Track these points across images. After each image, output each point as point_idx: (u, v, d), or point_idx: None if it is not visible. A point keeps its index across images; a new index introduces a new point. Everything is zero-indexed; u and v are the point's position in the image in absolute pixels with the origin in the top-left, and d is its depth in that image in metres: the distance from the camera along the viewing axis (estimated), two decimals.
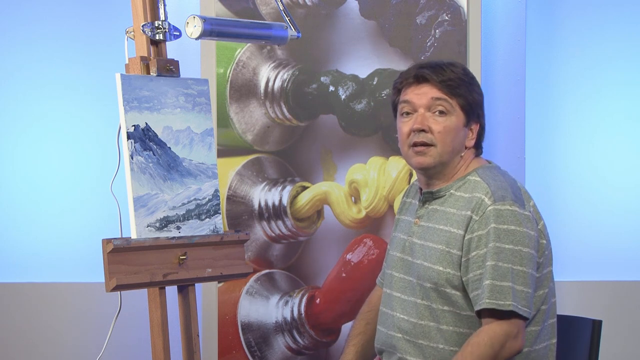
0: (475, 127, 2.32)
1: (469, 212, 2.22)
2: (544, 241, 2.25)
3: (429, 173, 2.32)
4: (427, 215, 2.32)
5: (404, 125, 2.32)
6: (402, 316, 2.30)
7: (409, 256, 2.33)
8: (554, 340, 2.30)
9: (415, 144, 2.28)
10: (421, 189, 2.37)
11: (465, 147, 2.32)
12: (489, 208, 2.19)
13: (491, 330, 2.14)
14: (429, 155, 2.28)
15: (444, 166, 2.30)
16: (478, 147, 2.36)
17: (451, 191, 2.29)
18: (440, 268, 2.22)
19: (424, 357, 2.25)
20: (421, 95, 2.29)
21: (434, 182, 2.33)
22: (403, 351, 2.28)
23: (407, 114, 2.31)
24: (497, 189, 2.22)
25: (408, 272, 2.32)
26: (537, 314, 2.25)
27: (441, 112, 2.28)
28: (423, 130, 2.27)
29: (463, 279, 2.20)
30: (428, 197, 2.34)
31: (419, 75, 2.31)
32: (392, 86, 2.39)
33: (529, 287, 2.15)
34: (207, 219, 2.38)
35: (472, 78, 2.34)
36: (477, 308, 2.16)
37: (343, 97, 3.25)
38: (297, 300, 3.23)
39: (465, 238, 2.21)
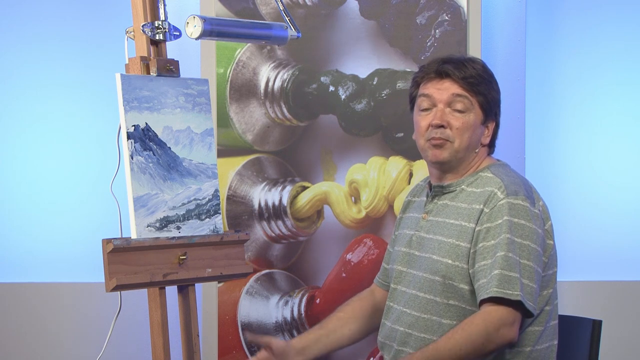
0: (491, 125, 2.34)
1: (480, 206, 2.23)
2: (551, 242, 2.25)
3: (443, 167, 2.32)
4: (437, 210, 2.32)
5: (422, 119, 2.32)
6: (405, 310, 2.30)
7: (415, 250, 2.33)
8: (555, 342, 2.30)
9: (432, 139, 2.29)
10: (430, 184, 2.38)
11: (481, 145, 2.33)
12: (502, 201, 2.19)
13: (486, 312, 2.14)
14: (445, 149, 2.28)
15: (459, 162, 2.30)
16: (491, 145, 2.37)
17: (462, 187, 2.30)
18: (450, 261, 2.23)
19: None
20: (442, 90, 2.30)
21: (446, 177, 2.33)
22: (405, 344, 2.28)
23: (426, 109, 2.32)
24: (510, 184, 2.23)
25: (414, 266, 2.32)
26: (540, 314, 2.25)
27: (460, 109, 2.28)
28: (442, 126, 2.28)
29: (470, 271, 2.20)
30: (438, 191, 2.34)
31: (440, 71, 2.30)
32: (412, 79, 2.38)
33: (534, 283, 2.16)
34: (207, 219, 2.38)
35: (491, 75, 2.34)
36: (483, 297, 2.14)
37: (343, 97, 3.25)
38: (297, 300, 3.23)
39: (475, 230, 2.21)
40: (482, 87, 2.30)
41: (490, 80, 2.33)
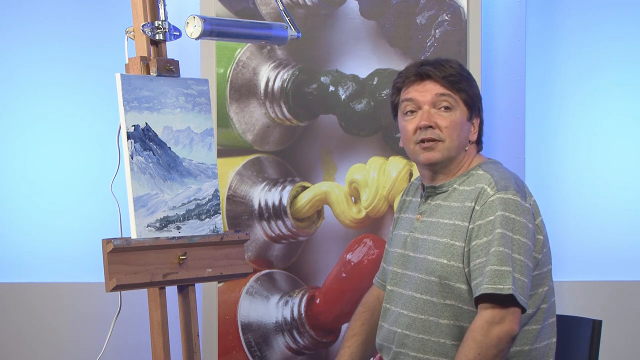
0: (476, 121, 2.35)
1: (472, 203, 2.23)
2: (541, 237, 2.25)
3: (435, 168, 2.32)
4: (430, 211, 2.32)
5: (409, 124, 2.32)
6: (402, 311, 2.30)
7: (410, 251, 2.33)
8: (554, 340, 2.30)
9: (422, 140, 2.29)
10: (423, 185, 2.38)
11: (469, 142, 2.33)
12: (493, 197, 2.20)
13: (473, 323, 2.15)
14: (437, 150, 2.28)
15: (451, 161, 2.31)
16: (479, 142, 2.37)
17: (454, 186, 2.30)
18: (445, 261, 2.23)
19: (424, 352, 2.25)
20: (425, 92, 2.30)
21: (438, 177, 2.34)
22: (403, 346, 2.28)
23: (411, 112, 2.32)
24: (500, 179, 2.23)
25: (409, 267, 2.32)
26: (537, 312, 2.25)
27: (446, 108, 2.29)
28: (430, 127, 2.28)
29: (465, 270, 2.21)
30: (431, 192, 2.34)
31: (421, 73, 2.31)
32: (392, 86, 2.39)
33: (526, 277, 2.16)
34: (207, 219, 2.38)
35: (469, 73, 2.37)
36: (475, 294, 2.15)
37: (343, 97, 3.25)
38: (297, 300, 3.23)
39: (468, 228, 2.21)
40: (463, 84, 2.31)
41: (469, 77, 2.34)
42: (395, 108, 2.38)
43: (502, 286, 2.12)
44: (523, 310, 2.15)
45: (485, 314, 2.14)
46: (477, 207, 2.22)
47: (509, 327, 2.13)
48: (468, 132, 2.33)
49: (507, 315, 2.13)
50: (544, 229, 2.28)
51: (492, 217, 2.18)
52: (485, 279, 2.13)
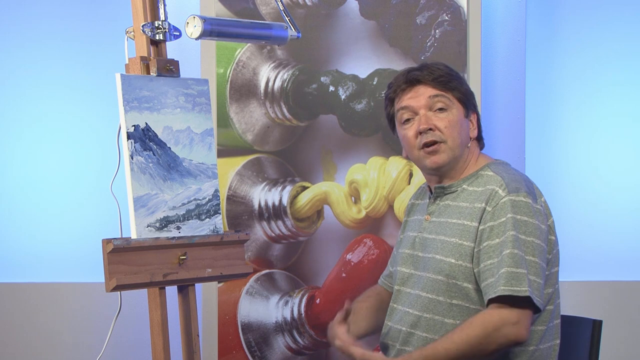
0: (474, 117, 2.36)
1: (482, 204, 2.23)
2: (553, 237, 2.27)
3: (442, 171, 2.32)
4: (439, 211, 2.33)
5: (409, 131, 2.32)
6: (408, 310, 2.30)
7: (419, 251, 2.33)
8: (558, 341, 2.30)
9: (425, 144, 2.29)
10: (430, 187, 2.38)
11: (470, 138, 2.33)
12: (504, 199, 2.20)
13: (487, 313, 2.14)
14: (441, 152, 2.29)
15: (456, 161, 2.31)
16: (480, 139, 2.37)
17: (463, 186, 2.30)
18: (453, 260, 2.23)
19: None
20: (418, 97, 2.31)
21: (445, 180, 2.34)
22: (407, 344, 2.28)
23: (408, 120, 2.32)
24: (511, 181, 2.24)
25: (418, 267, 2.32)
26: (543, 313, 2.25)
27: (442, 109, 2.29)
28: (430, 130, 2.28)
29: (475, 271, 2.21)
30: (439, 192, 2.34)
31: (410, 79, 2.32)
32: (385, 98, 2.39)
33: (540, 279, 2.16)
34: (207, 219, 2.38)
35: (457, 72, 2.38)
36: (490, 296, 2.14)
37: (343, 97, 3.25)
38: (297, 300, 3.23)
39: (479, 229, 2.21)
40: (453, 83, 2.32)
41: (458, 76, 2.36)
42: (391, 120, 2.38)
43: (519, 288, 2.12)
44: (536, 310, 2.15)
45: (503, 312, 2.13)
46: (488, 208, 2.22)
47: (522, 332, 2.13)
48: (467, 129, 2.33)
49: (522, 318, 2.13)
50: (555, 230, 2.28)
51: (503, 219, 2.18)
52: (501, 281, 2.13)
